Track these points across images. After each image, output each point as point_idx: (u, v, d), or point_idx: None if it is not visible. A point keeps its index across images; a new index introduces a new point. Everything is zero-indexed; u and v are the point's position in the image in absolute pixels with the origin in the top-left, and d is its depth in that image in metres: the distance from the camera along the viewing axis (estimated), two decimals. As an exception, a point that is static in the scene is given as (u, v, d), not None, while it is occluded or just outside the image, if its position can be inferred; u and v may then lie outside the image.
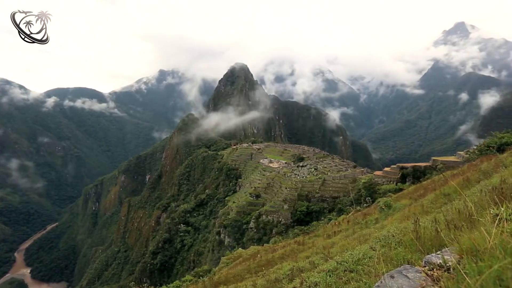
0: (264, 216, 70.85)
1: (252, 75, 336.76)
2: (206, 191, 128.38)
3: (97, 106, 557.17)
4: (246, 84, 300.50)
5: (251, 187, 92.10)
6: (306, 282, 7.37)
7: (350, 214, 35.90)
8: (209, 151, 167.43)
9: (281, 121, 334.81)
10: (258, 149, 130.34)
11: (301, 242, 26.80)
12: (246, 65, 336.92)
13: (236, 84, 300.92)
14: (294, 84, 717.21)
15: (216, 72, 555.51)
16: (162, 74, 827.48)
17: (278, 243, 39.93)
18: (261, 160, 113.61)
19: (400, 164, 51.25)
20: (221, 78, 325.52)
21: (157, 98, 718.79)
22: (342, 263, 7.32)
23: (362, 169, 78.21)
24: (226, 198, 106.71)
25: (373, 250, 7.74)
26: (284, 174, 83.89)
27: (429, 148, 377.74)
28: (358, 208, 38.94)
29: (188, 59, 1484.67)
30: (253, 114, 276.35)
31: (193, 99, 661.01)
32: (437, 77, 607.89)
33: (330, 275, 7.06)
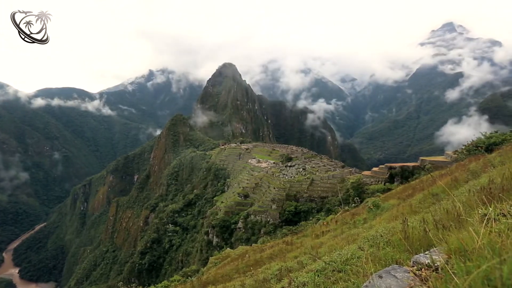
0: (252, 216, 70.77)
1: (240, 75, 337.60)
2: (195, 191, 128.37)
3: (85, 106, 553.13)
4: (234, 84, 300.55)
5: (240, 187, 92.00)
6: (295, 282, 7.33)
7: (338, 214, 35.88)
8: (197, 151, 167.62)
9: (269, 121, 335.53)
10: (247, 149, 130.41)
11: (289, 242, 26.76)
12: (235, 65, 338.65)
13: (224, 84, 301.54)
14: (282, 83, 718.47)
15: (205, 71, 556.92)
16: (151, 74, 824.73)
17: (266, 243, 39.88)
18: (249, 160, 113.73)
19: (389, 164, 51.22)
20: (210, 78, 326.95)
21: (145, 98, 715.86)
22: (331, 263, 7.29)
23: (350, 169, 78.34)
24: (215, 198, 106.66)
25: (362, 250, 7.72)
26: (273, 174, 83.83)
27: (417, 148, 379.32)
28: (347, 208, 38.91)
29: (177, 58, 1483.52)
30: (240, 114, 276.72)
31: (181, 99, 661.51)
32: (425, 76, 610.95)
33: (318, 275, 7.03)
